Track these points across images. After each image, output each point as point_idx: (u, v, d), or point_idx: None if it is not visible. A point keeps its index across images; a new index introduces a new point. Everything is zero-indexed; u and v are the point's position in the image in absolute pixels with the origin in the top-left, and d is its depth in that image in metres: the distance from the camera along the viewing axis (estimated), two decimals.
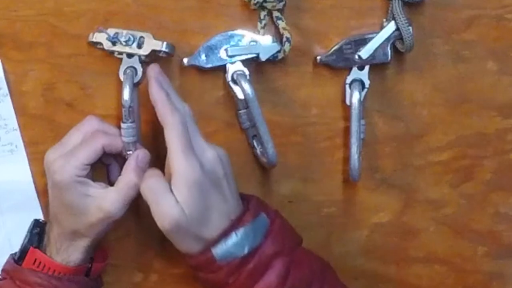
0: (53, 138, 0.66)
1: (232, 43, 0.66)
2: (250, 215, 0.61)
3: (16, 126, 0.67)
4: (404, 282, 0.74)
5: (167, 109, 0.60)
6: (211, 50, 0.66)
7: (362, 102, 0.67)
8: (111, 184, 0.64)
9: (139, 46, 0.64)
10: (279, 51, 0.67)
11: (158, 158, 0.67)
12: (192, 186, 0.59)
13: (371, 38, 0.67)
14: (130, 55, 0.65)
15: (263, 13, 0.67)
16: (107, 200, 0.61)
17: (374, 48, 0.67)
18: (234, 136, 0.69)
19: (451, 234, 0.74)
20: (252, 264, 0.59)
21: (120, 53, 0.65)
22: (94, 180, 0.62)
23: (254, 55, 0.66)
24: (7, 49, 0.67)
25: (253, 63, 0.67)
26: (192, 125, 0.61)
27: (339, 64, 0.68)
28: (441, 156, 0.72)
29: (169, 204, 0.58)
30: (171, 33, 0.67)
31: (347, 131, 0.69)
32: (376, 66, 0.69)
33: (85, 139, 0.63)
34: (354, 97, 0.67)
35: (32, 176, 0.68)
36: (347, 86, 0.69)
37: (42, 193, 0.67)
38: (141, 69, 0.64)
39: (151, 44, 0.64)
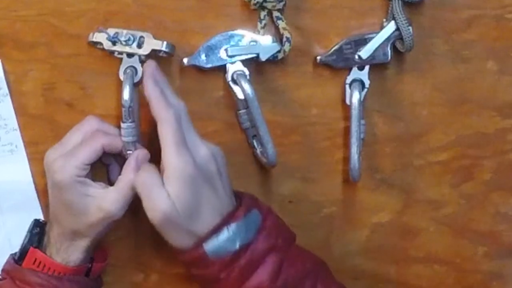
0: (53, 138, 0.66)
1: (232, 43, 0.66)
2: (242, 211, 0.61)
3: (16, 126, 0.67)
4: (404, 282, 0.74)
5: (161, 104, 0.60)
6: (211, 50, 0.66)
7: (362, 102, 0.67)
8: (111, 184, 0.64)
9: (139, 46, 0.64)
10: (279, 51, 0.67)
11: (158, 158, 0.67)
12: (184, 181, 0.59)
13: (371, 38, 0.67)
14: (130, 55, 0.65)
15: (263, 13, 0.67)
16: (107, 200, 0.61)
17: (374, 48, 0.67)
18: (234, 136, 0.69)
19: (451, 234, 0.74)
20: (244, 259, 0.59)
21: (120, 53, 0.65)
22: (94, 180, 0.62)
23: (254, 55, 0.66)
24: (7, 49, 0.67)
25: (253, 63, 0.67)
26: (186, 121, 0.61)
27: (339, 64, 0.68)
28: (441, 156, 0.72)
29: (160, 198, 0.58)
30: (171, 33, 0.67)
31: (347, 131, 0.69)
32: (376, 66, 0.69)
33: (85, 139, 0.63)
34: (354, 97, 0.67)
35: (32, 176, 0.68)
36: (347, 86, 0.69)
37: (42, 193, 0.67)
38: (141, 69, 0.64)
39: (151, 44, 0.64)
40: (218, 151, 0.63)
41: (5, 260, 0.65)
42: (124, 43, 0.64)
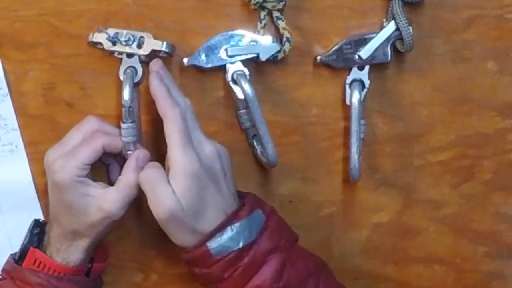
0: (53, 138, 0.66)
1: (232, 43, 0.66)
2: (246, 210, 0.61)
3: (16, 126, 0.67)
4: (404, 282, 0.74)
5: (167, 103, 0.61)
6: (211, 50, 0.66)
7: (362, 102, 0.67)
8: (111, 184, 0.64)
9: (139, 46, 0.64)
10: (279, 51, 0.67)
11: (158, 158, 0.67)
12: (189, 178, 0.59)
13: (371, 38, 0.67)
14: (130, 55, 0.65)
15: (263, 13, 0.67)
16: (107, 200, 0.61)
17: (374, 48, 0.67)
18: (234, 136, 0.69)
19: (451, 234, 0.74)
20: (247, 259, 0.59)
21: (120, 53, 0.65)
22: (94, 180, 0.62)
23: (254, 55, 0.66)
24: (7, 49, 0.67)
25: (253, 63, 0.67)
26: (192, 120, 0.62)
27: (339, 64, 0.68)
28: (441, 156, 0.72)
29: (166, 194, 0.59)
30: (171, 33, 0.67)
31: (347, 131, 0.69)
32: (376, 66, 0.69)
33: (85, 139, 0.63)
34: (354, 97, 0.67)
35: (32, 176, 0.68)
36: (347, 86, 0.69)
37: (42, 193, 0.67)
38: (141, 69, 0.64)
39: (151, 44, 0.64)
40: (223, 149, 0.63)
41: (5, 260, 0.65)
42: (124, 43, 0.64)
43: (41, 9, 0.66)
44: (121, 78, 0.64)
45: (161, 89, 0.61)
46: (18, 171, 0.68)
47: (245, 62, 0.66)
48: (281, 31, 0.67)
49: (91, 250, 0.65)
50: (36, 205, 0.68)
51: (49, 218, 0.64)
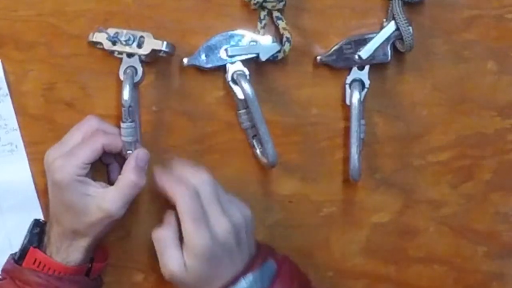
0: (53, 138, 0.66)
1: (232, 43, 0.66)
2: (259, 262, 0.62)
3: (16, 126, 0.67)
4: (404, 282, 0.74)
5: (172, 186, 0.62)
6: (211, 50, 0.66)
7: (362, 102, 0.67)
8: (111, 183, 0.64)
9: (139, 45, 0.64)
10: (279, 51, 0.67)
11: (158, 158, 0.67)
12: (201, 255, 0.60)
13: (371, 38, 0.67)
14: (130, 55, 0.64)
15: (263, 13, 0.67)
16: (107, 199, 0.61)
17: (374, 48, 0.67)
18: (234, 136, 0.69)
19: (451, 234, 0.74)
20: None
21: (120, 53, 0.65)
22: (94, 179, 0.62)
23: (254, 55, 0.66)
24: (7, 49, 0.67)
25: (253, 63, 0.67)
26: (208, 193, 0.62)
27: (339, 64, 0.68)
28: (441, 156, 0.72)
29: (173, 259, 0.61)
30: (171, 33, 0.67)
31: (347, 131, 0.69)
32: (376, 66, 0.69)
33: (85, 138, 0.63)
34: (354, 97, 0.67)
35: (32, 176, 0.68)
36: (347, 86, 0.69)
37: (42, 193, 0.67)
38: (141, 69, 0.64)
39: (151, 43, 0.64)
40: (242, 219, 0.63)
41: (5, 260, 0.65)
42: (124, 43, 0.64)
43: (41, 9, 0.66)
44: (121, 78, 0.64)
45: (161, 178, 0.63)
46: (18, 171, 0.68)
47: (245, 62, 0.66)
48: (281, 31, 0.67)
49: (91, 250, 0.65)
50: (36, 205, 0.68)
51: (49, 217, 0.64)
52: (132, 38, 0.64)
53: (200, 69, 0.67)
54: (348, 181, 0.70)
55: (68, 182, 0.60)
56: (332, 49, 0.68)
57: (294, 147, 0.70)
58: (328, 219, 0.72)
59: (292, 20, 0.68)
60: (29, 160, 0.68)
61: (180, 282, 0.61)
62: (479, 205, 0.73)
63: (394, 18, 0.67)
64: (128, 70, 0.64)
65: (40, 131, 0.68)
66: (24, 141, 0.68)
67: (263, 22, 0.67)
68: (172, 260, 0.61)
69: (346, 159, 0.69)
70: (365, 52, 0.67)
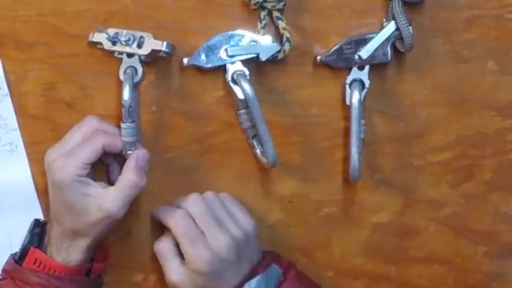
0: (53, 138, 0.66)
1: (232, 43, 0.66)
2: (262, 267, 0.64)
3: (16, 126, 0.67)
4: (404, 282, 0.74)
5: (164, 213, 0.65)
6: (211, 50, 0.66)
7: (362, 102, 0.67)
8: (111, 184, 0.64)
9: (139, 46, 0.64)
10: (279, 51, 0.67)
11: (158, 158, 0.67)
12: (201, 272, 0.62)
13: (371, 38, 0.67)
14: (130, 55, 0.64)
15: (263, 13, 0.67)
16: (107, 199, 0.61)
17: (374, 48, 0.67)
18: (234, 136, 0.69)
19: (451, 234, 0.74)
20: None
21: (120, 53, 0.64)
22: (94, 180, 0.62)
23: (254, 55, 0.66)
24: (7, 49, 0.67)
25: (253, 63, 0.67)
26: (198, 212, 0.64)
27: (339, 64, 0.68)
28: (441, 156, 0.72)
29: (173, 270, 0.64)
30: (171, 33, 0.67)
31: (347, 131, 0.69)
32: (376, 66, 0.69)
33: (85, 138, 0.63)
34: (354, 97, 0.67)
35: (32, 176, 0.68)
36: (347, 86, 0.69)
37: (42, 193, 0.67)
38: (141, 69, 0.64)
39: (151, 44, 0.64)
40: (245, 229, 0.65)
41: (5, 260, 0.65)
42: (124, 43, 0.64)
43: (41, 9, 0.66)
44: (121, 78, 0.64)
45: (157, 210, 0.67)
46: (18, 171, 0.67)
47: (245, 62, 0.66)
48: (281, 31, 0.67)
49: (91, 250, 0.65)
50: (36, 205, 0.68)
51: (50, 218, 0.64)
52: (132, 38, 0.64)
53: (200, 69, 0.67)
54: (348, 181, 0.70)
55: (68, 182, 0.60)
56: (332, 49, 0.68)
57: (294, 147, 0.70)
58: (328, 219, 0.72)
59: (292, 20, 0.68)
60: (29, 160, 0.68)
61: None
62: (479, 205, 0.73)
63: (394, 18, 0.67)
64: (128, 70, 0.64)
65: (40, 131, 0.68)
66: (24, 141, 0.67)
67: (263, 22, 0.67)
68: (172, 272, 0.64)
69: (346, 159, 0.69)
70: (365, 52, 0.67)
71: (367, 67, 0.68)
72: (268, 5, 0.66)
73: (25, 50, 0.67)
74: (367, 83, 0.68)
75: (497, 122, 0.72)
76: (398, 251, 0.73)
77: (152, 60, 0.66)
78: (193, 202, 0.65)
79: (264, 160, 0.68)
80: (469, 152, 0.72)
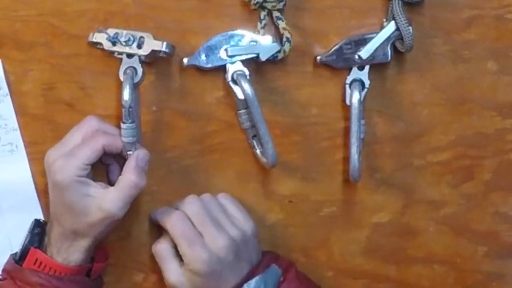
0: (53, 138, 0.66)
1: (232, 43, 0.66)
2: (261, 267, 0.64)
3: (16, 126, 0.67)
4: (404, 282, 0.74)
5: (161, 215, 0.65)
6: (211, 50, 0.66)
7: (362, 102, 0.67)
8: (111, 184, 0.64)
9: (139, 46, 0.64)
10: (279, 51, 0.67)
11: (158, 158, 0.67)
12: (199, 272, 0.62)
13: (371, 38, 0.67)
14: (130, 55, 0.64)
15: (263, 13, 0.67)
16: (107, 200, 0.61)
17: (374, 48, 0.67)
18: (234, 136, 0.69)
19: (451, 234, 0.74)
20: None
21: (120, 53, 0.64)
22: (94, 180, 0.62)
23: (254, 55, 0.66)
24: (7, 49, 0.67)
25: (253, 63, 0.67)
26: (195, 212, 0.64)
27: (339, 64, 0.68)
28: (441, 156, 0.72)
29: (171, 271, 0.64)
30: (171, 33, 0.67)
31: (347, 131, 0.69)
32: (376, 66, 0.68)
33: (85, 139, 0.63)
34: (354, 97, 0.67)
35: (32, 176, 0.68)
36: (347, 86, 0.69)
37: (42, 193, 0.67)
38: (141, 69, 0.64)
39: (151, 44, 0.64)
40: (243, 230, 0.65)
41: (5, 260, 0.65)
42: (124, 43, 0.63)
43: (41, 9, 0.66)
44: (121, 78, 0.64)
45: (155, 213, 0.67)
46: (18, 171, 0.67)
47: (245, 62, 0.66)
48: (281, 31, 0.67)
49: (92, 250, 0.65)
50: (36, 205, 0.68)
51: (50, 218, 0.64)
52: (132, 39, 0.64)
53: (200, 69, 0.67)
54: (348, 181, 0.70)
55: (69, 182, 0.60)
56: (332, 49, 0.68)
57: (294, 147, 0.70)
58: (328, 219, 0.72)
59: (292, 20, 0.68)
60: (29, 160, 0.68)
61: None
62: (479, 205, 0.73)
63: (394, 18, 0.67)
64: (128, 71, 0.64)
65: (40, 131, 0.68)
66: (24, 141, 0.67)
67: (263, 22, 0.67)
68: (171, 274, 0.64)
69: (346, 159, 0.69)
70: (365, 52, 0.67)
71: (367, 67, 0.68)
72: (268, 5, 0.66)
73: (25, 50, 0.67)
74: (367, 83, 0.68)
75: (497, 122, 0.72)
76: (398, 251, 0.73)
77: (152, 61, 0.66)
78: (190, 203, 0.65)
79: (264, 160, 0.68)
80: (469, 152, 0.72)
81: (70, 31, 0.67)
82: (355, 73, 0.68)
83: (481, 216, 0.74)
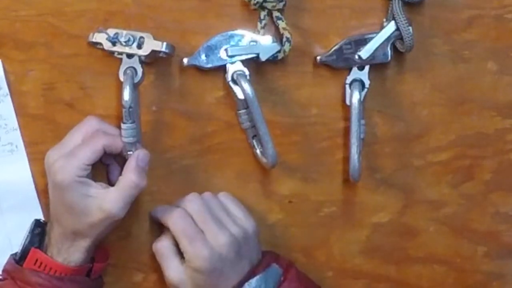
0: (53, 138, 0.66)
1: (232, 43, 0.66)
2: (262, 267, 0.64)
3: (16, 126, 0.67)
4: (404, 282, 0.74)
5: (162, 212, 0.65)
6: (211, 50, 0.66)
7: (362, 102, 0.67)
8: (111, 184, 0.64)
9: (139, 46, 0.64)
10: (279, 51, 0.67)
11: (158, 158, 0.67)
12: (200, 270, 0.62)
13: (371, 38, 0.67)
14: (130, 56, 0.64)
15: (263, 13, 0.67)
16: (107, 200, 0.61)
17: (374, 48, 0.67)
18: (234, 136, 0.69)
19: (451, 234, 0.74)
20: None
21: (120, 53, 0.64)
22: (94, 180, 0.62)
23: (254, 55, 0.66)
24: (7, 49, 0.66)
25: (253, 63, 0.67)
26: (197, 210, 0.64)
27: (339, 64, 0.68)
28: (441, 156, 0.72)
29: (172, 269, 0.64)
30: (171, 33, 0.67)
31: (347, 131, 0.69)
32: (376, 66, 0.69)
33: (85, 139, 0.63)
34: (354, 97, 0.67)
35: (32, 176, 0.68)
36: (347, 86, 0.69)
37: (42, 193, 0.67)
38: (141, 70, 0.64)
39: (151, 44, 0.64)
40: (244, 228, 0.65)
41: (5, 260, 0.65)
42: (124, 43, 0.63)
43: (41, 9, 0.66)
44: (121, 78, 0.64)
45: (156, 210, 0.67)
46: (18, 171, 0.67)
47: (245, 62, 0.66)
48: (281, 31, 0.67)
49: (92, 250, 0.65)
50: (36, 205, 0.68)
51: (50, 218, 0.64)
52: (132, 39, 0.64)
53: (200, 69, 0.67)
54: (348, 181, 0.70)
55: (69, 183, 0.60)
56: (332, 49, 0.68)
57: (294, 147, 0.70)
58: (328, 219, 0.72)
59: (292, 20, 0.68)
60: (29, 160, 0.68)
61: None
62: (479, 205, 0.73)
63: (394, 18, 0.67)
64: (128, 71, 0.64)
65: (40, 131, 0.68)
66: (24, 141, 0.67)
67: (263, 22, 0.67)
68: (172, 271, 0.64)
69: (346, 159, 0.69)
70: (365, 52, 0.67)
71: (367, 67, 0.68)
72: (268, 5, 0.66)
73: (25, 50, 0.67)
74: (367, 83, 0.68)
75: (497, 122, 0.72)
76: (398, 251, 0.73)
77: (152, 61, 0.66)
78: (191, 201, 0.65)
79: (264, 160, 0.68)
80: (469, 152, 0.72)
81: (70, 31, 0.67)
82: (355, 73, 0.68)
83: (481, 216, 0.74)
